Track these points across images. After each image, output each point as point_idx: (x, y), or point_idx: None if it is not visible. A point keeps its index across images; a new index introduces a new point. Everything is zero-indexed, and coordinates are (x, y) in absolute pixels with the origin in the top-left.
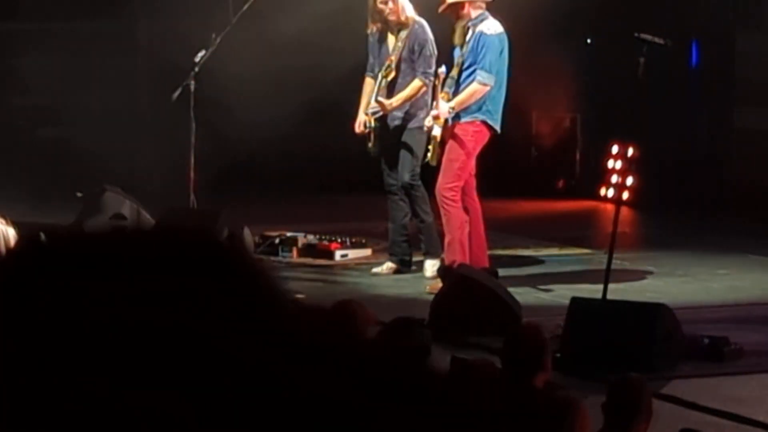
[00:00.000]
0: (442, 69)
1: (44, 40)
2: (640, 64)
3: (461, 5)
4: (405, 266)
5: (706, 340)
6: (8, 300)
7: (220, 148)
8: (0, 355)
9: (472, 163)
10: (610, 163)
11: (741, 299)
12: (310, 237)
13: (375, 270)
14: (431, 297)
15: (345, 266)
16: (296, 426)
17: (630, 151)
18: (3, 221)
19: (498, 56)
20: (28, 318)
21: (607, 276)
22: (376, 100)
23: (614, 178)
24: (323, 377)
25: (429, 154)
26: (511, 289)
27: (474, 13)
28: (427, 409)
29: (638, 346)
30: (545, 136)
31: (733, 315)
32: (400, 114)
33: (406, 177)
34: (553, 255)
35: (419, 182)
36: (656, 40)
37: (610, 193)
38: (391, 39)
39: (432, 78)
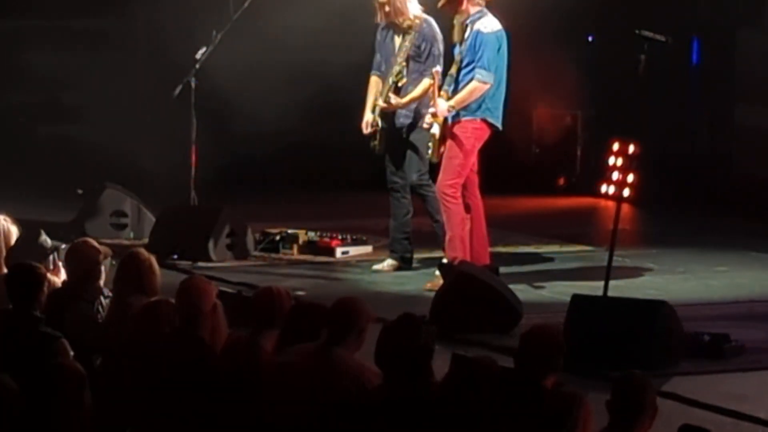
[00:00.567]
0: (438, 68)
1: (45, 37)
2: (640, 61)
3: (459, 1)
4: (406, 263)
5: (707, 337)
6: None
7: (221, 145)
8: None
9: (473, 160)
10: (611, 160)
11: (741, 296)
12: (311, 234)
13: (376, 267)
14: (432, 294)
15: (346, 263)
16: None
17: (631, 149)
18: (5, 219)
19: (496, 54)
20: None
21: (607, 273)
22: (386, 101)
23: (615, 176)
24: None
25: (429, 152)
26: (512, 286)
27: (472, 10)
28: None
29: (639, 343)
30: (546, 133)
31: (733, 312)
32: (407, 113)
33: (414, 177)
34: (553, 252)
35: (429, 181)
36: (657, 37)
37: (611, 190)
38: (398, 38)
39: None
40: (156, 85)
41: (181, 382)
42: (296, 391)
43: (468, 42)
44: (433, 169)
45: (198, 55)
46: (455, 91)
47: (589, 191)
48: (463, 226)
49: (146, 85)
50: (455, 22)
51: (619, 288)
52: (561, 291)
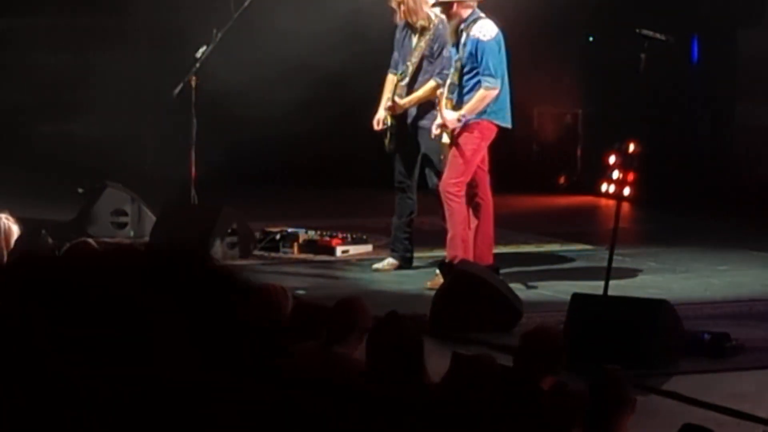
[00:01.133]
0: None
1: (45, 35)
2: (641, 60)
3: (449, 5)
4: (406, 263)
5: (707, 336)
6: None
7: (221, 143)
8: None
9: (479, 159)
10: (612, 159)
11: (742, 295)
12: (312, 233)
13: (376, 266)
14: (432, 293)
15: (346, 262)
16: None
17: (631, 147)
18: (6, 217)
19: (498, 58)
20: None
21: (608, 272)
22: (392, 100)
23: (615, 174)
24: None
25: (441, 157)
26: (512, 285)
27: (465, 13)
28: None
29: (639, 342)
30: (547, 132)
31: (734, 311)
32: (419, 113)
33: (435, 179)
34: (554, 251)
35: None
36: (657, 36)
37: (612, 189)
38: (414, 38)
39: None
40: (157, 83)
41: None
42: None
43: (467, 49)
44: None
45: (198, 54)
46: (459, 99)
47: (590, 190)
48: (464, 226)
49: (147, 83)
50: (448, 24)
51: (620, 287)
52: (561, 290)
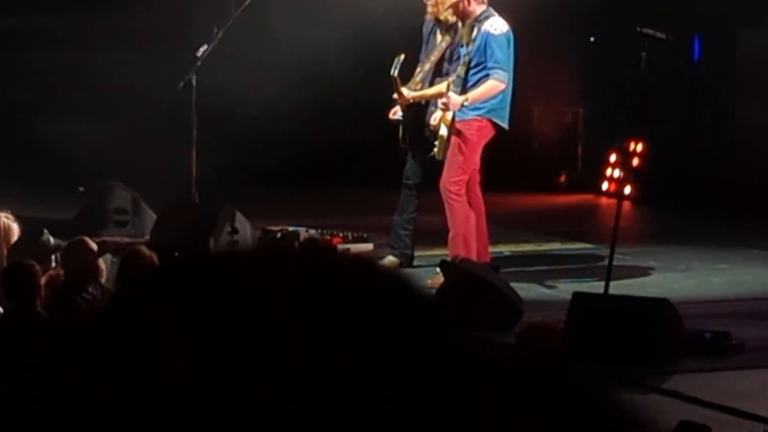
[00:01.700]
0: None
1: (46, 34)
2: (642, 58)
3: (457, 5)
4: (406, 261)
5: (708, 335)
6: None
7: (222, 141)
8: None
9: (476, 158)
10: (612, 158)
11: (742, 294)
12: (312, 231)
13: None
14: (433, 291)
15: None
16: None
17: (631, 146)
18: (7, 216)
19: (507, 54)
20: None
21: (608, 271)
22: (399, 93)
23: (616, 173)
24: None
25: (435, 149)
26: (512, 284)
27: (478, 10)
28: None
29: (640, 340)
30: (547, 130)
31: (734, 310)
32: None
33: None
34: (554, 250)
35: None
36: (658, 34)
37: (612, 187)
38: (439, 36)
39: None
40: (157, 82)
41: None
42: None
43: (476, 43)
44: (438, 167)
45: (199, 53)
46: (463, 92)
47: (590, 189)
48: (466, 224)
49: (147, 82)
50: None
51: (621, 286)
52: (562, 288)
